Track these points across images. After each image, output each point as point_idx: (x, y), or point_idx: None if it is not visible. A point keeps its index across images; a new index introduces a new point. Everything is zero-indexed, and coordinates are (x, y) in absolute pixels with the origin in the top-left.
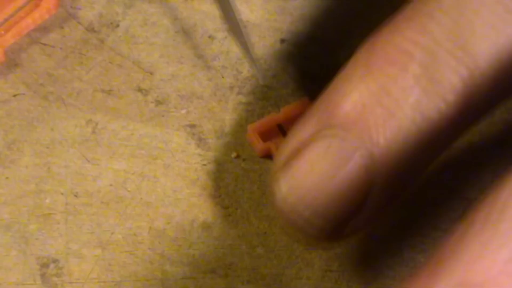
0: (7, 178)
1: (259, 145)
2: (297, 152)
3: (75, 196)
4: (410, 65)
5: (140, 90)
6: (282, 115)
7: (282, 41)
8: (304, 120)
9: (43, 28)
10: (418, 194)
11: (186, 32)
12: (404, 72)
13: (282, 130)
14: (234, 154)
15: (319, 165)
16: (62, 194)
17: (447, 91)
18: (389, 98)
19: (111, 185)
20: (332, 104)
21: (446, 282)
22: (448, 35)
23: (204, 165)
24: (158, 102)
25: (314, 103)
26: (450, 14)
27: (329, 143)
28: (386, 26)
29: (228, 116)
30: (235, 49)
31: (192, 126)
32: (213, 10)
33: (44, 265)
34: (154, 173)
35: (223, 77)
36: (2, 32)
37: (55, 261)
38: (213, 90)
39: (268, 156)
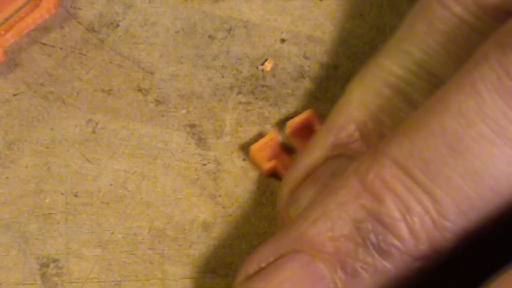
0: (7, 178)
1: (265, 165)
2: (262, 270)
3: (75, 196)
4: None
5: (140, 90)
6: (288, 130)
7: (282, 41)
8: (276, 237)
9: (43, 28)
10: None
11: (186, 32)
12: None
13: (285, 147)
14: (234, 154)
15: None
16: (62, 194)
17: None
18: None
19: (111, 185)
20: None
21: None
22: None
23: (204, 165)
24: (158, 102)
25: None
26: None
27: (301, 264)
28: (368, 156)
29: (228, 116)
30: (235, 49)
31: (192, 126)
32: (213, 10)
33: (44, 265)
34: (154, 173)
35: (223, 77)
36: (2, 32)
37: (55, 260)
38: (213, 90)
39: (275, 174)
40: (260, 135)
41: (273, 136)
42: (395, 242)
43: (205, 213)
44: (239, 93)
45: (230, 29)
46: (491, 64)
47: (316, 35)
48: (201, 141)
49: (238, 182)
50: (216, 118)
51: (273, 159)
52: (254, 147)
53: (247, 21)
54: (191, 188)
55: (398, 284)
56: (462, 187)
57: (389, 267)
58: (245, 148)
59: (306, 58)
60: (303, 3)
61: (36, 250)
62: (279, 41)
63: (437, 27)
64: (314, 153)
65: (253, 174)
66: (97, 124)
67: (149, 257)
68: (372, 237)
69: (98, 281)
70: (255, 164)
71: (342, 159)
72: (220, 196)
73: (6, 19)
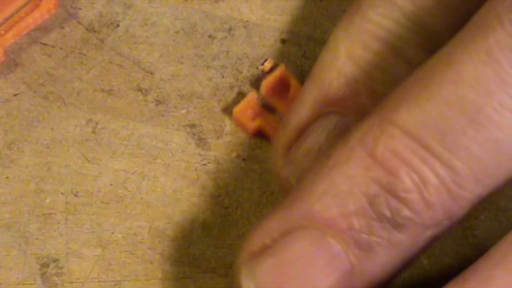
0: (7, 178)
1: (250, 124)
2: (267, 247)
3: (75, 196)
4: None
5: (140, 90)
6: (263, 91)
7: (282, 41)
8: (278, 211)
9: (43, 28)
10: None
11: (186, 32)
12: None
13: (266, 107)
14: (234, 154)
15: (296, 267)
16: (62, 194)
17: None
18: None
19: (111, 184)
20: (316, 200)
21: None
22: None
23: (204, 165)
24: (158, 102)
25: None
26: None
27: (311, 242)
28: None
29: (228, 116)
30: (235, 49)
31: (192, 126)
32: (213, 10)
33: (44, 265)
34: (154, 173)
35: (223, 77)
36: (2, 32)
37: (55, 260)
38: (213, 90)
39: (260, 134)
40: (240, 96)
41: (253, 96)
42: (411, 215)
43: (205, 213)
44: (239, 93)
45: (230, 29)
46: (507, 29)
47: (316, 35)
48: (201, 141)
49: (238, 182)
50: (216, 118)
51: (257, 118)
52: (236, 109)
53: (247, 21)
54: (191, 188)
55: (410, 252)
56: (481, 157)
57: (403, 238)
58: (245, 148)
59: (306, 58)
60: (303, 3)
61: (36, 250)
62: (279, 41)
63: None
64: (304, 110)
65: (253, 174)
66: (97, 124)
67: (149, 257)
68: (387, 212)
69: (98, 281)
70: (240, 126)
71: (334, 117)
72: (220, 196)
73: (6, 19)
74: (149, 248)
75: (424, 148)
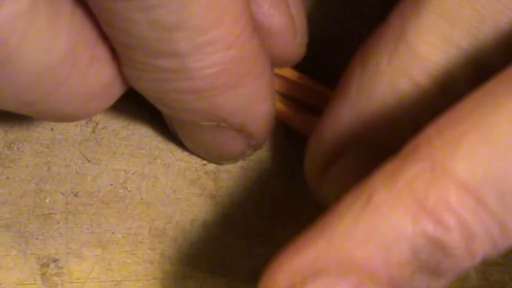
0: (7, 177)
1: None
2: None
3: (75, 195)
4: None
5: None
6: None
7: None
8: (310, 247)
9: None
10: None
11: None
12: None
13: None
14: None
15: None
16: (62, 193)
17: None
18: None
19: (111, 184)
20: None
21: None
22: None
23: (204, 165)
24: None
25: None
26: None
27: None
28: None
29: None
30: None
31: None
32: None
33: (44, 265)
34: (154, 173)
35: None
36: None
37: (55, 260)
38: None
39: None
40: None
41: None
42: (453, 265)
43: (205, 213)
44: None
45: None
46: None
47: (316, 35)
48: None
49: (238, 182)
50: None
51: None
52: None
53: None
54: (191, 188)
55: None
56: None
57: (440, 284)
58: None
59: (306, 58)
60: (303, 3)
61: (36, 250)
62: None
63: (485, 16)
64: (341, 132)
65: (253, 174)
66: (97, 124)
67: (149, 257)
68: (431, 263)
69: (98, 281)
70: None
71: (375, 147)
72: (220, 196)
73: None
74: (149, 248)
75: (479, 203)
